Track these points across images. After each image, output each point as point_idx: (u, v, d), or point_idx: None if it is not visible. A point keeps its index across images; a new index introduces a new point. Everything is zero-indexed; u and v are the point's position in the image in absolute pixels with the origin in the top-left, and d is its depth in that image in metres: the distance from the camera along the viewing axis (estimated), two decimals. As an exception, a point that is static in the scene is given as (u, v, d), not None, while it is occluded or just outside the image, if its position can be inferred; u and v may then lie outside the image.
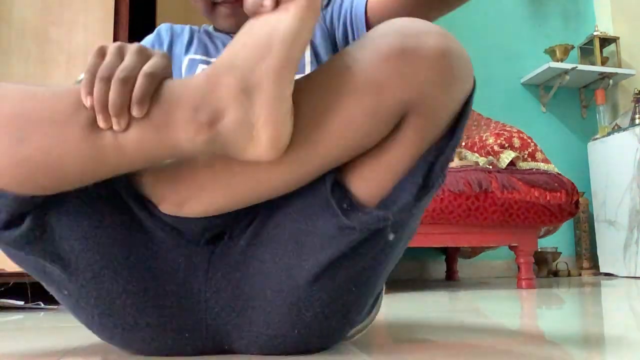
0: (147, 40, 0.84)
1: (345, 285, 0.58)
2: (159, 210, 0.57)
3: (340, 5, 0.79)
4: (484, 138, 2.12)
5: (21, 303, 1.37)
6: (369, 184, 0.55)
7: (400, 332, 0.79)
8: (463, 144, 2.24)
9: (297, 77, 0.71)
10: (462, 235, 1.91)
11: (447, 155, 0.56)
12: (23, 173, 0.49)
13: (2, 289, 1.44)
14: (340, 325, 0.61)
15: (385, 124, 0.52)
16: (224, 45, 0.79)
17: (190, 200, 0.55)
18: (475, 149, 2.12)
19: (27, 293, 1.42)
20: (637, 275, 2.44)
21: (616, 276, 2.58)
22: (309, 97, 0.52)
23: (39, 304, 1.38)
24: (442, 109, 0.53)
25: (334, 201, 0.54)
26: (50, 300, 1.42)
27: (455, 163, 1.96)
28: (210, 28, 0.85)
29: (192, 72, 0.76)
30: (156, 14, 1.74)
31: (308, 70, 0.75)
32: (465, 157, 2.11)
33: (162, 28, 0.86)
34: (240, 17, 0.71)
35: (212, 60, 0.78)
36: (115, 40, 1.59)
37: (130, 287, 0.57)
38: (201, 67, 0.76)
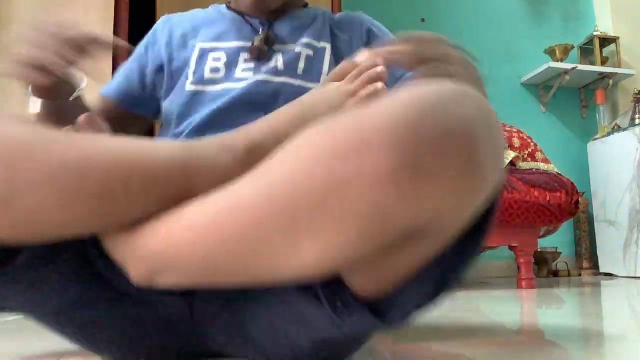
0: (143, 43, 0.82)
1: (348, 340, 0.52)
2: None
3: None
4: (484, 138, 2.12)
5: (21, 303, 1.37)
6: (367, 280, 0.45)
7: (400, 331, 0.79)
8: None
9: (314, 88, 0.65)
10: (462, 236, 1.90)
11: (463, 265, 0.46)
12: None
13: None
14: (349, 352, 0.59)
15: (385, 246, 0.40)
16: (239, 30, 0.76)
17: (164, 273, 0.43)
18: (475, 149, 2.12)
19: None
20: (637, 276, 2.44)
21: (616, 276, 2.58)
22: (286, 205, 0.38)
23: (39, 304, 1.38)
24: (457, 226, 0.42)
25: (323, 296, 0.47)
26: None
27: (455, 163, 1.96)
28: (224, 7, 0.81)
29: (203, 61, 0.73)
30: (156, 14, 1.74)
31: (326, 62, 0.73)
32: (465, 157, 2.11)
33: (159, 27, 0.82)
34: None
35: (223, 45, 0.75)
36: (115, 40, 1.59)
37: (110, 334, 0.56)
38: (211, 56, 0.73)
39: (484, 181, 0.38)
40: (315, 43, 0.75)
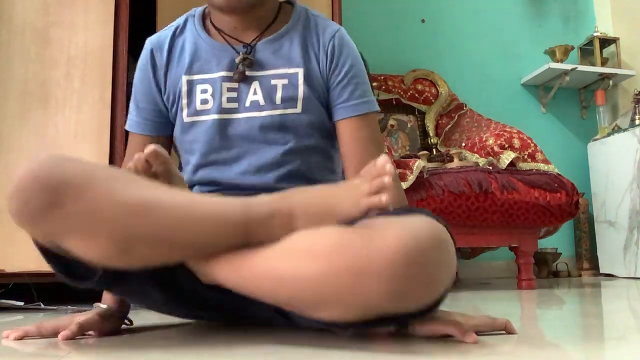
0: (141, 65, 0.90)
1: None
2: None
3: (338, 82, 0.87)
4: (484, 139, 2.12)
5: (21, 303, 1.37)
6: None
7: (400, 331, 0.79)
8: (463, 144, 2.24)
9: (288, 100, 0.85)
10: (462, 236, 1.91)
11: (418, 318, 0.65)
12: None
13: (3, 290, 1.44)
14: None
15: (371, 316, 0.59)
16: (220, 58, 0.86)
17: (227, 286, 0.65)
18: (475, 150, 2.12)
19: (31, 293, 1.42)
20: (637, 276, 2.44)
21: (616, 277, 2.58)
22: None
23: (39, 305, 1.38)
24: (418, 309, 0.60)
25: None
26: (50, 300, 1.42)
27: (455, 164, 1.96)
28: (200, 27, 0.89)
29: (193, 94, 0.85)
30: (157, 15, 1.74)
31: (300, 86, 0.84)
32: (465, 158, 2.11)
33: (145, 58, 0.90)
34: None
35: (207, 76, 0.85)
36: (115, 40, 1.59)
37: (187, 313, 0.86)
38: (199, 88, 0.85)
39: (439, 292, 0.61)
40: (288, 70, 0.85)
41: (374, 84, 2.51)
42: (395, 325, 0.69)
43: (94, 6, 1.59)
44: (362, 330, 0.64)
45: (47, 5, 1.57)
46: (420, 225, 0.57)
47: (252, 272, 0.61)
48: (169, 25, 0.92)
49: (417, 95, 2.60)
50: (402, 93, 2.57)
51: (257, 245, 0.62)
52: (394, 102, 2.54)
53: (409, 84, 2.61)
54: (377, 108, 0.88)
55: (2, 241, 1.40)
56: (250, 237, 0.63)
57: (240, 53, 0.84)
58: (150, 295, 0.75)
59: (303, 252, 0.59)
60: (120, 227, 0.58)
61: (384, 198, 0.61)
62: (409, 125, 2.54)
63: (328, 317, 0.60)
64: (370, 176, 0.63)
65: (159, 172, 0.70)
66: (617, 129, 2.76)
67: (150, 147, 0.69)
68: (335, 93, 0.86)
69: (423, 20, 2.94)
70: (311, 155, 0.86)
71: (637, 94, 2.74)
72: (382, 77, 2.58)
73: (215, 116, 0.83)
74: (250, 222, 0.62)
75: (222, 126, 0.83)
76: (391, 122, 2.52)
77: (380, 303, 0.56)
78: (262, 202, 0.64)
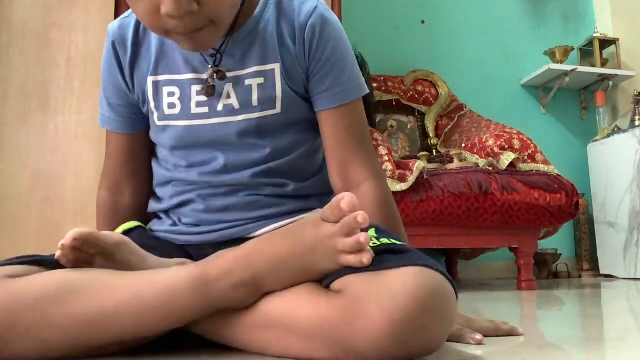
0: (106, 60, 0.81)
1: None
2: None
3: (318, 72, 0.77)
4: (483, 139, 2.12)
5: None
6: None
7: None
8: (463, 145, 2.24)
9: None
10: (462, 237, 1.91)
11: None
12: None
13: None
14: None
15: None
16: (188, 60, 0.76)
17: None
18: (475, 151, 2.12)
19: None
20: (637, 277, 2.44)
21: (616, 278, 2.58)
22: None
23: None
24: None
25: None
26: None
27: (455, 164, 1.96)
28: None
29: (159, 96, 0.77)
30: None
31: (278, 83, 0.75)
32: (465, 159, 2.11)
33: (108, 53, 0.80)
34: (194, 41, 0.66)
35: (174, 77, 0.77)
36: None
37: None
38: (165, 91, 0.77)
39: (437, 347, 0.55)
40: (263, 67, 0.75)
41: (374, 84, 2.51)
42: None
43: (94, 7, 1.60)
44: None
45: (47, 6, 1.57)
46: (407, 290, 0.51)
47: (236, 340, 0.61)
48: (130, 11, 0.79)
49: (417, 96, 2.60)
50: (402, 94, 2.57)
51: (228, 313, 0.60)
52: (394, 103, 2.54)
53: (408, 85, 2.61)
54: (362, 92, 0.80)
55: (3, 241, 1.41)
56: (216, 310, 0.60)
57: (210, 67, 0.75)
58: None
59: (284, 327, 0.57)
60: (73, 344, 0.56)
61: (365, 260, 0.55)
62: (409, 126, 2.54)
63: None
64: (345, 227, 0.56)
65: (94, 253, 0.62)
66: (617, 130, 2.76)
67: (70, 236, 0.60)
68: (315, 82, 0.77)
69: (423, 21, 2.95)
70: (291, 152, 0.79)
71: (637, 95, 2.74)
72: (382, 78, 2.58)
73: (184, 123, 0.76)
74: (211, 302, 0.59)
75: (193, 133, 0.77)
76: (391, 123, 2.52)
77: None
78: (220, 275, 0.59)
